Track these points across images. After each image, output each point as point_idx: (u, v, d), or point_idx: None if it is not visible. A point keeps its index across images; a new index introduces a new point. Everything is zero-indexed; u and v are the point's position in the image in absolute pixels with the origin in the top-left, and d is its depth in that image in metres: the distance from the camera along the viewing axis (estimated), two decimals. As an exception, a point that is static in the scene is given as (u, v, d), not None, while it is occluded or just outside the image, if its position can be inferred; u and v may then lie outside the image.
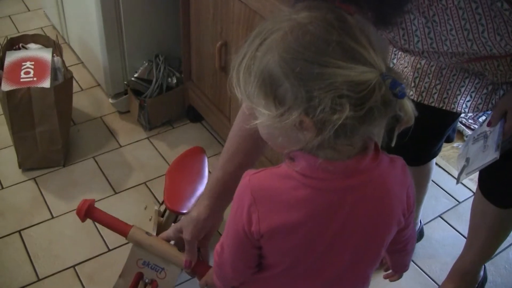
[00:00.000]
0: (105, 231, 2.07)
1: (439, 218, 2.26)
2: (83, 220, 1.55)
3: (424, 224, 2.18)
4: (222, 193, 1.29)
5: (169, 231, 1.44)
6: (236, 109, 2.21)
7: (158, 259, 1.52)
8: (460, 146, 2.44)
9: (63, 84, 2.28)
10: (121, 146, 2.50)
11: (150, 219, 1.80)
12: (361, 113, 0.81)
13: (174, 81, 2.54)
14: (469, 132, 2.63)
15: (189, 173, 1.90)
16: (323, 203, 0.94)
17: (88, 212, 1.54)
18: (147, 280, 1.56)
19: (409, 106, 0.85)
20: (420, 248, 2.11)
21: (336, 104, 0.81)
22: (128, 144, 2.52)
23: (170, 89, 2.53)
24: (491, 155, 1.37)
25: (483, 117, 2.66)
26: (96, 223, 2.08)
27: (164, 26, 2.54)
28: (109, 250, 2.04)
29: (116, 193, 2.27)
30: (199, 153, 2.03)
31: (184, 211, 1.78)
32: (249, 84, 0.88)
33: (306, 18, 0.85)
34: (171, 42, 2.56)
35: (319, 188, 0.93)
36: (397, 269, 1.34)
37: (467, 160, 1.47)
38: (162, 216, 1.84)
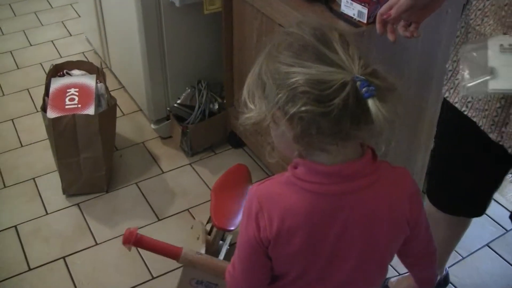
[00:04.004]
0: (149, 258, 2.07)
1: (487, 247, 2.21)
2: (130, 249, 1.57)
3: (471, 254, 2.14)
4: None
5: None
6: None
7: (211, 276, 1.55)
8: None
9: (107, 111, 2.31)
10: (163, 172, 2.51)
11: (198, 238, 1.82)
12: (327, 110, 0.87)
13: (216, 106, 2.54)
14: None
15: (234, 190, 1.93)
16: (322, 207, 1.00)
17: (136, 241, 1.55)
18: None
19: (374, 106, 0.87)
20: (467, 278, 2.06)
21: (295, 97, 0.89)
22: (171, 170, 2.52)
23: (212, 114, 2.53)
24: None
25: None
26: (139, 250, 2.09)
27: (206, 52, 2.55)
28: (153, 277, 2.03)
29: (159, 219, 2.27)
30: (242, 170, 2.03)
31: (232, 228, 1.80)
32: (251, 84, 1.01)
33: (292, 29, 0.97)
34: (213, 68, 2.56)
35: (318, 192, 0.99)
36: (420, 285, 1.35)
37: (493, 71, 1.14)
38: (209, 234, 1.86)
